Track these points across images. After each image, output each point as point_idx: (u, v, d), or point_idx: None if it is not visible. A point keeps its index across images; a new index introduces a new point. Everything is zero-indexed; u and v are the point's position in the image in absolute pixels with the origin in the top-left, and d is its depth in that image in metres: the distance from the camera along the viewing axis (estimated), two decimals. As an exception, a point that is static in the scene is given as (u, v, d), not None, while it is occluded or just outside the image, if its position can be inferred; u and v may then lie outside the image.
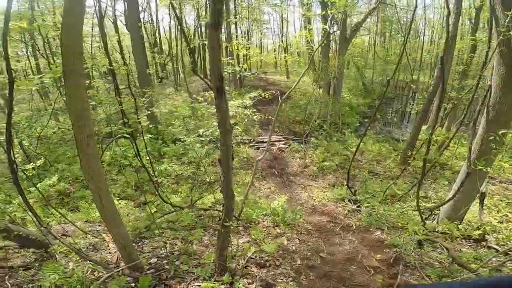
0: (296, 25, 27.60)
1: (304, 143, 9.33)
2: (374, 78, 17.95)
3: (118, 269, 2.93)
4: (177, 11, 14.25)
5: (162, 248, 3.66)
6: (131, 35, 9.59)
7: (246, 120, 6.00)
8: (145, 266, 3.20)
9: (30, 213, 3.39)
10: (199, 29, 17.62)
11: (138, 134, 5.57)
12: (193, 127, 8.77)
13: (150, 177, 4.56)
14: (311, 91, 11.22)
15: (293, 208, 5.37)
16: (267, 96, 5.33)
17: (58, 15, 9.26)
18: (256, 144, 9.70)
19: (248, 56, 13.15)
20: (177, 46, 17.63)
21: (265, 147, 9.50)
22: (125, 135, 4.64)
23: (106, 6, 9.77)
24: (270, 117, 8.03)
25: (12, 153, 2.85)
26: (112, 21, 11.49)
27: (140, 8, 12.88)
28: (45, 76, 3.55)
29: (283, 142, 9.99)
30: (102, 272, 3.03)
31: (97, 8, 7.00)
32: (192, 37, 17.28)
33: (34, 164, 3.93)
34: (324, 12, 9.00)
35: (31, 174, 3.97)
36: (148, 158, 5.55)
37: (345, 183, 6.16)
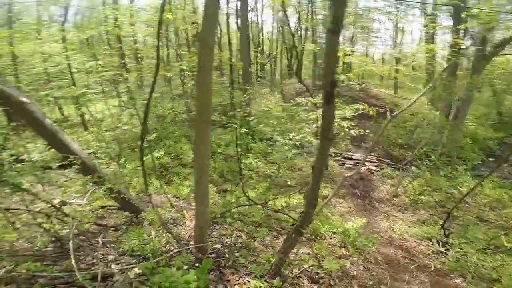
0: (413, 36, 24.73)
1: (400, 170, 8.31)
2: (516, 108, 14.25)
3: (187, 247, 3.24)
4: (280, 13, 14.67)
5: (228, 237, 3.87)
6: (241, 34, 10.33)
7: (341, 133, 5.77)
8: (209, 249, 3.44)
9: (137, 179, 4.03)
10: (300, 32, 17.51)
11: (236, 127, 6.08)
12: (283, 129, 8.99)
13: (240, 168, 4.89)
14: (424, 112, 9.80)
15: (368, 234, 4.93)
16: (370, 112, 4.86)
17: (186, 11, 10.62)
18: (342, 160, 9.19)
19: (350, 65, 12.46)
20: (276, 48, 18.25)
21: (352, 164, 9.00)
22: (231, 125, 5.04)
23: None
24: (365, 133, 7.46)
25: (146, 122, 3.49)
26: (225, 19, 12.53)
27: (249, 8, 13.53)
28: (182, 64, 4.30)
29: (375, 164, 9.14)
30: (174, 246, 3.39)
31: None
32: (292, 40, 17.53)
33: (151, 137, 4.73)
34: (459, 26, 7.75)
35: (147, 145, 4.77)
36: (238, 150, 5.98)
37: (441, 222, 5.31)
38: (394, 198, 7.23)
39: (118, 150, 6.01)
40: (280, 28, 16.29)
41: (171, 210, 4.53)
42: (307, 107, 6.59)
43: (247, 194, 4.93)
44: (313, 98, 6.52)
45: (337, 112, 5.13)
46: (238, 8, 11.21)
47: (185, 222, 4.23)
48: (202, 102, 2.57)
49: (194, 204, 4.98)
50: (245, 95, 6.61)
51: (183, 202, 5.00)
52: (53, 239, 3.44)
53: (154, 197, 4.77)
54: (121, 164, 6.07)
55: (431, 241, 5.15)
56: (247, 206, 4.87)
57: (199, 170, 2.88)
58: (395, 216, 6.32)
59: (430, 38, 13.13)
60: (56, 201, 3.90)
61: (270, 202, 5.26)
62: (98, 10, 13.80)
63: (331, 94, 2.02)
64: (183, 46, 12.21)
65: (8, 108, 3.40)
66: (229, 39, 9.96)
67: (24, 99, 3.28)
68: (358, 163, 9.00)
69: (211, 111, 2.69)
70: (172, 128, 9.04)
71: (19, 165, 3.97)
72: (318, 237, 4.44)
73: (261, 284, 2.94)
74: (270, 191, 6.11)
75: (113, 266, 3.02)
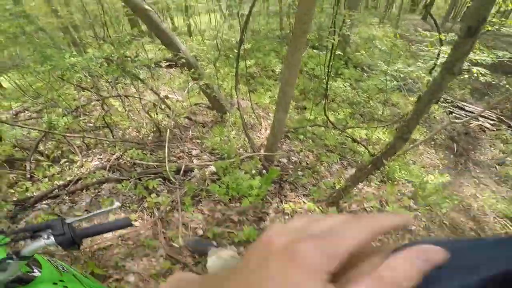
0: None
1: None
2: None
3: (259, 153, 3.44)
4: None
5: (296, 154, 3.94)
6: None
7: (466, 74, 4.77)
8: (275, 161, 3.59)
9: (228, 83, 4.12)
10: None
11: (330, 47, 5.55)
12: (384, 61, 7.86)
13: (326, 88, 4.64)
14: None
15: (446, 194, 4.43)
16: None
17: None
18: (451, 108, 7.74)
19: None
20: None
21: (461, 115, 7.56)
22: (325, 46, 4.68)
23: None
24: (498, 84, 5.95)
25: (244, 34, 3.46)
26: None
27: None
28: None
29: (491, 122, 7.48)
30: (247, 150, 3.63)
31: None
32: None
33: (246, 46, 4.70)
34: None
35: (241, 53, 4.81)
36: (328, 71, 5.57)
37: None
38: (497, 166, 6.06)
39: (216, 56, 6.32)
40: None
41: (251, 115, 4.74)
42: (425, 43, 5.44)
43: (327, 114, 4.75)
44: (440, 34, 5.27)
45: (471, 55, 4.15)
46: None
47: (260, 130, 4.43)
48: (303, 9, 2.46)
49: (271, 114, 5.12)
50: (348, 20, 5.72)
51: (262, 111, 5.16)
52: (154, 128, 4.06)
53: (239, 101, 5.09)
54: (217, 68, 6.47)
55: (512, 222, 4.37)
56: (323, 128, 4.75)
57: (287, 77, 2.86)
58: (487, 186, 5.41)
59: None
60: (162, 94, 4.48)
61: (349, 130, 5.01)
62: None
63: (476, 28, 1.78)
64: None
65: (134, 14, 3.88)
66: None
67: (147, 7, 3.63)
68: (469, 116, 7.55)
69: (311, 20, 2.58)
70: (264, 42, 8.91)
71: (139, 61, 4.54)
72: (390, 181, 4.18)
73: (316, 208, 3.01)
74: (352, 119, 5.77)
75: (194, 161, 3.47)
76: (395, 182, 4.19)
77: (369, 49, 8.80)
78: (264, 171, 3.29)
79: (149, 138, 4.08)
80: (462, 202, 4.69)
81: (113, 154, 3.47)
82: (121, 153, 3.47)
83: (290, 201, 3.12)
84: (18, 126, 3.36)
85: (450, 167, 5.72)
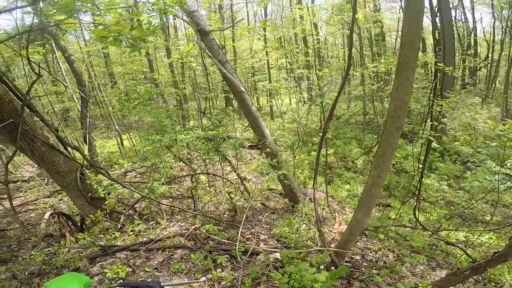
0: None
1: None
2: None
3: (329, 248, 3.19)
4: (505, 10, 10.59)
5: (372, 252, 3.49)
6: (445, 33, 8.52)
7: None
8: (347, 257, 3.24)
9: (303, 171, 4.28)
10: None
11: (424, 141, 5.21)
12: (492, 152, 6.79)
13: (419, 187, 4.15)
14: None
15: None
16: None
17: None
18: None
19: None
20: (501, 50, 13.27)
21: None
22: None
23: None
24: None
25: (329, 121, 3.68)
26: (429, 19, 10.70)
27: (451, 5, 10.96)
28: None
29: None
30: (316, 244, 3.42)
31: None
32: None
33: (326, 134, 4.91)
34: None
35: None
36: (421, 166, 5.09)
37: None
38: None
39: (294, 141, 6.64)
40: (505, 27, 12.10)
41: (324, 209, 4.59)
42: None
43: (416, 215, 4.20)
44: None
45: None
46: (437, 5, 9.34)
47: (333, 224, 4.18)
48: (397, 105, 2.29)
49: (348, 209, 4.80)
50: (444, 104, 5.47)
51: (337, 204, 4.93)
52: (231, 207, 4.34)
53: (314, 192, 5.02)
54: (294, 154, 6.73)
55: None
56: (409, 229, 4.16)
57: (375, 178, 2.66)
58: None
59: None
60: (242, 175, 4.88)
61: (442, 232, 4.25)
62: (288, 10, 15.30)
63: None
64: (365, 46, 11.57)
65: (231, 94, 4.60)
66: (434, 40, 8.48)
67: (242, 89, 4.22)
68: None
69: (405, 115, 2.41)
70: (345, 129, 8.96)
71: (229, 140, 5.17)
72: (493, 283, 3.18)
73: None
74: (448, 220, 4.90)
75: (261, 245, 3.46)
76: (500, 285, 3.16)
77: (472, 138, 7.75)
78: (332, 267, 2.99)
79: (225, 215, 4.33)
80: None
81: (192, 225, 3.80)
82: (199, 225, 3.77)
83: (357, 301, 2.70)
84: (127, 188, 4.05)
85: None
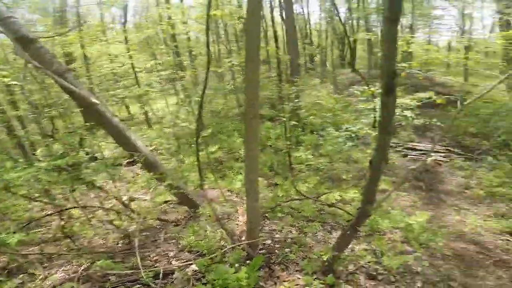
0: (484, 22, 22.51)
1: (474, 161, 7.34)
2: None
3: (240, 243, 3.30)
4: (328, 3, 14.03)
5: (278, 232, 3.86)
6: (287, 26, 10.12)
7: (403, 123, 5.40)
8: (259, 245, 3.47)
9: (194, 174, 4.15)
10: (351, 21, 17.01)
11: (285, 120, 5.97)
12: (336, 120, 8.62)
13: (290, 162, 4.79)
14: (502, 98, 8.54)
15: (435, 228, 4.51)
16: (438, 101, 4.38)
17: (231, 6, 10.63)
18: (404, 151, 8.43)
19: (412, 53, 11.46)
20: (326, 38, 17.72)
21: (415, 155, 8.25)
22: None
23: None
24: (431, 122, 6.79)
25: (200, 119, 3.59)
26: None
27: (293, 1, 13.25)
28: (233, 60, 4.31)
29: (443, 155, 8.21)
30: (227, 242, 3.49)
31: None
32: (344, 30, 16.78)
33: (206, 132, 4.90)
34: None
35: (202, 140, 4.95)
36: (288, 143, 5.86)
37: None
38: (466, 191, 6.45)
39: (177, 146, 6.37)
40: (329, 18, 15.65)
41: (225, 205, 4.67)
42: (363, 98, 6.23)
43: (297, 188, 4.84)
44: (368, 87, 6.11)
45: (398, 101, 4.80)
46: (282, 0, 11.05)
47: (238, 217, 4.33)
48: (250, 96, 2.60)
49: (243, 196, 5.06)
50: (293, 88, 6.48)
51: (236, 196, 5.13)
52: (122, 235, 3.81)
53: (209, 192, 4.98)
54: (179, 160, 6.47)
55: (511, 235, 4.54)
56: (298, 201, 4.79)
57: (249, 165, 2.92)
58: (467, 209, 5.67)
59: (504, 25, 11.42)
60: (124, 198, 4.31)
61: (322, 197, 5.10)
62: (152, 10, 14.57)
63: (392, 85, 1.99)
64: (232, 42, 12.39)
65: (82, 109, 3.85)
66: (275, 32, 9.81)
67: (95, 100, 3.62)
68: (422, 154, 8.20)
69: (258, 104, 2.72)
70: (225, 123, 9.32)
71: (93, 163, 4.45)
72: (377, 233, 4.19)
73: (313, 281, 2.88)
74: (322, 185, 5.92)
75: (173, 262, 3.23)
76: (383, 233, 4.20)
77: (319, 112, 9.52)
78: (248, 261, 3.12)
79: (119, 245, 3.79)
80: (452, 230, 4.77)
81: (80, 266, 3.21)
82: (89, 264, 3.22)
83: (284, 281, 2.96)
84: None
85: (427, 203, 5.93)
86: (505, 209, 5.57)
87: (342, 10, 16.80)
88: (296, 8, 16.43)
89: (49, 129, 8.12)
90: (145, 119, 10.69)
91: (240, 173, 6.32)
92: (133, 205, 4.27)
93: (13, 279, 3.00)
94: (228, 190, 5.40)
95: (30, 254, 3.35)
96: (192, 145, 7.40)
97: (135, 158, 3.97)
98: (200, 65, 11.18)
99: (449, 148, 8.48)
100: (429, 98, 4.39)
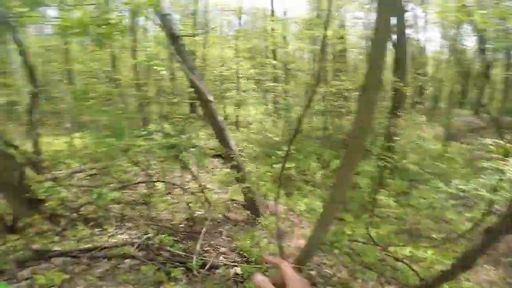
0: None
1: None
2: None
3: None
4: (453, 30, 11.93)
5: (327, 267, 3.59)
6: (397, 52, 9.29)
7: None
8: (304, 272, 3.29)
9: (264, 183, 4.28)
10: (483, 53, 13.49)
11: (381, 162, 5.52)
12: (441, 171, 7.44)
13: (373, 204, 4.27)
14: None
15: None
16: None
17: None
18: None
19: None
20: (445, 70, 14.80)
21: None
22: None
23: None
24: None
25: (296, 136, 3.76)
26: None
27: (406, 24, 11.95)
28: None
29: None
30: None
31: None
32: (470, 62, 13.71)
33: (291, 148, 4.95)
34: None
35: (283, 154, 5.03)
36: (377, 185, 5.34)
37: None
38: None
39: (258, 152, 6.67)
40: (453, 48, 13.18)
41: (283, 222, 4.63)
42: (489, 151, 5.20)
43: (369, 232, 4.41)
44: (503, 138, 5.06)
45: None
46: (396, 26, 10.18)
47: (292, 239, 4.23)
48: (361, 124, 2.33)
49: (306, 223, 4.91)
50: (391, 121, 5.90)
51: (296, 217, 5.01)
52: (187, 218, 4.18)
53: (275, 205, 5.04)
54: (258, 167, 6.72)
55: None
56: (361, 243, 4.36)
57: (335, 194, 2.69)
58: None
59: None
60: (202, 185, 4.74)
61: (392, 248, 4.50)
62: (260, 22, 15.57)
63: None
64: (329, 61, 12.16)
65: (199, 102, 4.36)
66: (396, 60, 9.11)
67: (210, 98, 4.14)
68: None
69: (366, 136, 2.48)
70: (306, 143, 9.21)
71: (192, 149, 5.01)
72: None
73: None
74: (396, 235, 5.23)
75: (221, 258, 3.37)
76: None
77: (420, 156, 8.40)
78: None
79: (181, 225, 4.14)
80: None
81: (145, 234, 3.57)
82: (153, 235, 3.55)
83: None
84: (71, 191, 3.70)
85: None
86: None
87: (472, 38, 13.62)
88: (410, 33, 14.34)
89: (164, 111, 9.76)
90: (236, 122, 11.55)
91: (307, 197, 6.16)
92: (204, 194, 4.65)
93: (88, 229, 3.52)
94: (291, 210, 5.32)
95: (113, 210, 3.90)
96: (272, 156, 7.57)
97: (226, 154, 4.34)
98: (297, 81, 11.37)
99: None
100: None
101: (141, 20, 9.54)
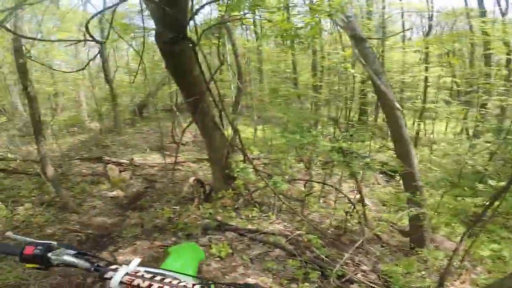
0: None
1: None
2: None
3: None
4: None
5: None
6: None
7: None
8: None
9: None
10: None
11: None
12: None
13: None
14: None
15: None
16: None
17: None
18: None
19: None
20: None
21: None
22: None
23: None
24: None
25: None
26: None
27: None
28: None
29: None
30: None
31: None
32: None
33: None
34: None
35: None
36: None
37: None
38: None
39: (442, 179, 5.50)
40: None
41: (454, 263, 3.71)
42: None
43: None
44: None
45: None
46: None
47: (455, 280, 3.35)
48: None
49: (480, 268, 3.84)
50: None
51: (468, 261, 3.90)
52: (338, 225, 4.07)
53: (445, 241, 4.16)
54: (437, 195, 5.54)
55: None
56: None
57: None
58: None
59: None
60: (364, 198, 4.40)
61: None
62: (460, 24, 12.13)
63: None
64: None
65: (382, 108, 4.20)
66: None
67: (398, 106, 3.77)
68: None
69: None
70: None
71: (366, 159, 4.74)
72: None
73: None
74: None
75: (359, 275, 3.15)
76: None
77: None
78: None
79: (329, 231, 4.11)
80: None
81: (297, 229, 3.77)
82: (304, 232, 3.68)
83: None
84: (259, 176, 4.30)
85: None
86: None
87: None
88: None
89: (334, 114, 9.82)
90: (416, 137, 9.86)
91: (498, 243, 4.61)
92: (364, 208, 4.34)
93: (257, 212, 3.97)
94: (467, 251, 4.16)
95: (281, 200, 4.09)
96: (463, 187, 5.97)
97: (398, 172, 3.92)
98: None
99: None
100: None
101: (323, 22, 9.79)
